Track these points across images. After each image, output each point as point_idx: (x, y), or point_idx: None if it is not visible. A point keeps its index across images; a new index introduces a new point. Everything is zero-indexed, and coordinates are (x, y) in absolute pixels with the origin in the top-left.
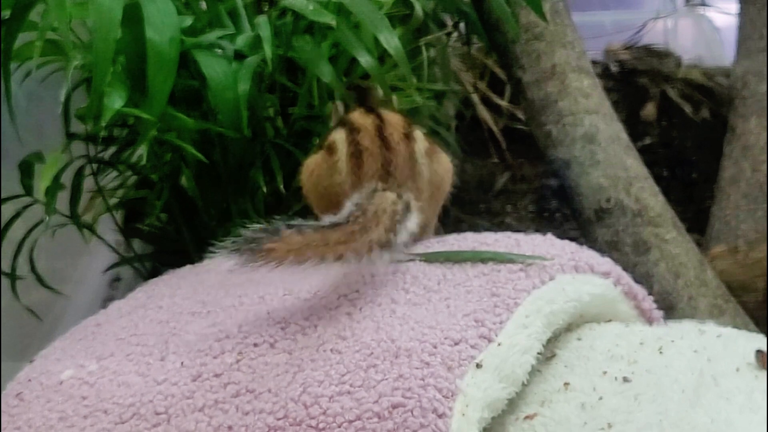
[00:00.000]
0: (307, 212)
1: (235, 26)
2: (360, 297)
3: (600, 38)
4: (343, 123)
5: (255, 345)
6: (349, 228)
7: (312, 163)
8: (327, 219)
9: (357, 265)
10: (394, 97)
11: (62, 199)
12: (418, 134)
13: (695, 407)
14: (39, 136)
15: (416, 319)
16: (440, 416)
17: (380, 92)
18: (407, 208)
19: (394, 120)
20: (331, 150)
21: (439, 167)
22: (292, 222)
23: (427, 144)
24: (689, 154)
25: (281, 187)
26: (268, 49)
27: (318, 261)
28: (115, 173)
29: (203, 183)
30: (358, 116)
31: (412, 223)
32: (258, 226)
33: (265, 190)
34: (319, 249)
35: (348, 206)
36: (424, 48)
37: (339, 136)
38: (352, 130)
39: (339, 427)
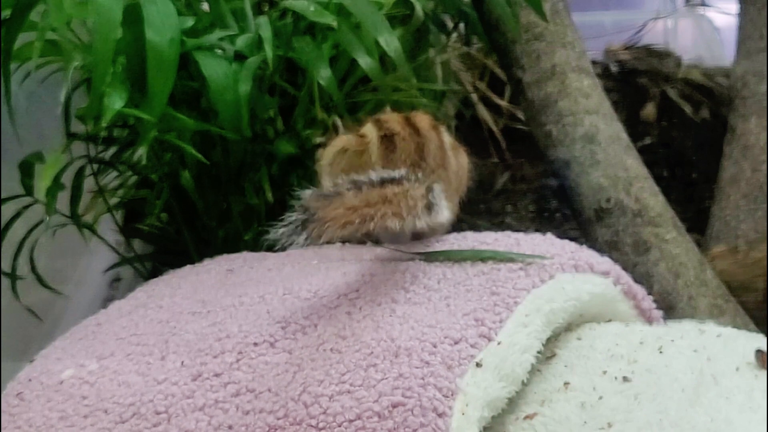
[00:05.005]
0: None
1: (239, 27)
2: (360, 296)
3: (600, 38)
4: (366, 120)
5: (255, 344)
6: (394, 186)
7: (338, 145)
8: (372, 173)
9: (407, 222)
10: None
11: (62, 199)
12: (443, 128)
13: (695, 406)
14: (39, 136)
15: (416, 318)
16: (440, 415)
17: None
18: (439, 194)
19: (419, 113)
20: (359, 135)
21: (462, 161)
22: (341, 182)
23: (452, 138)
24: (689, 154)
25: (269, 195)
26: (269, 50)
27: (372, 221)
28: (115, 173)
29: (203, 183)
30: (381, 114)
31: (445, 212)
32: (309, 192)
33: (269, 193)
34: (375, 206)
35: (387, 171)
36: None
37: (365, 128)
38: (379, 120)
39: (339, 426)
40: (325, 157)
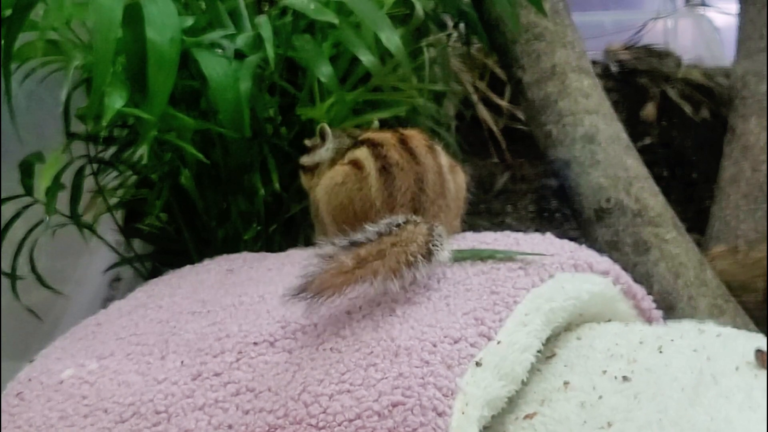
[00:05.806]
0: (306, 214)
1: (236, 26)
2: (359, 296)
3: (600, 38)
4: (360, 142)
5: (255, 344)
6: (392, 238)
7: (336, 177)
8: (369, 229)
9: (405, 277)
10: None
11: (62, 199)
12: (439, 148)
13: (695, 406)
14: (39, 136)
15: (416, 317)
16: (440, 414)
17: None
18: (441, 235)
19: (414, 133)
20: (357, 165)
21: (459, 180)
22: (338, 243)
23: (448, 158)
24: (689, 154)
25: (277, 185)
26: (269, 49)
27: (371, 278)
28: (115, 173)
29: (203, 183)
30: (374, 133)
31: (445, 253)
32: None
33: (263, 192)
34: (371, 265)
35: (384, 222)
36: (425, 48)
37: (361, 153)
38: (375, 144)
39: (339, 425)
40: (320, 189)
